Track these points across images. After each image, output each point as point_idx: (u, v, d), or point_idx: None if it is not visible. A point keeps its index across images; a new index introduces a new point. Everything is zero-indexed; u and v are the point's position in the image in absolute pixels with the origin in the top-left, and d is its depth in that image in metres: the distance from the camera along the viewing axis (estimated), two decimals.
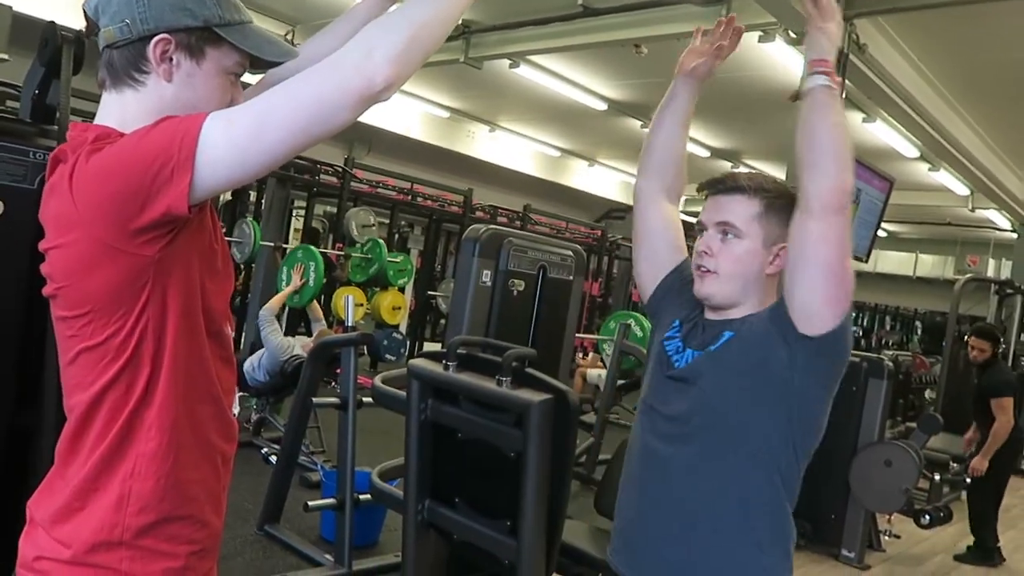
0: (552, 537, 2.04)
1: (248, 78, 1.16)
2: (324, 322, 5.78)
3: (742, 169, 10.34)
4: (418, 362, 2.30)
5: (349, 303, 4.29)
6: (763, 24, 5.07)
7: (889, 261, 15.37)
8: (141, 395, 0.99)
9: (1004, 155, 8.18)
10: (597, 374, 7.62)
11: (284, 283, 6.01)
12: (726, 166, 10.34)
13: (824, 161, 1.26)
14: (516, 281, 3.12)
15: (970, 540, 4.98)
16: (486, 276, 3.06)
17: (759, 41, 5.36)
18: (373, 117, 9.15)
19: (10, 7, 4.66)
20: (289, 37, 7.61)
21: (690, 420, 1.37)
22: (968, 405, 5.32)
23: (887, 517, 4.76)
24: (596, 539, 2.80)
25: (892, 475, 3.93)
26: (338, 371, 4.07)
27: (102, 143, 0.97)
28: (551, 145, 11.01)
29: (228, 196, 8.00)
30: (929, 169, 8.70)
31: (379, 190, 8.80)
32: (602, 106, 8.22)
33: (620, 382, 6.26)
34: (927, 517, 4.54)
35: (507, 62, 6.83)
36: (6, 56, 4.62)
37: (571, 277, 3.34)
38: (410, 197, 9.14)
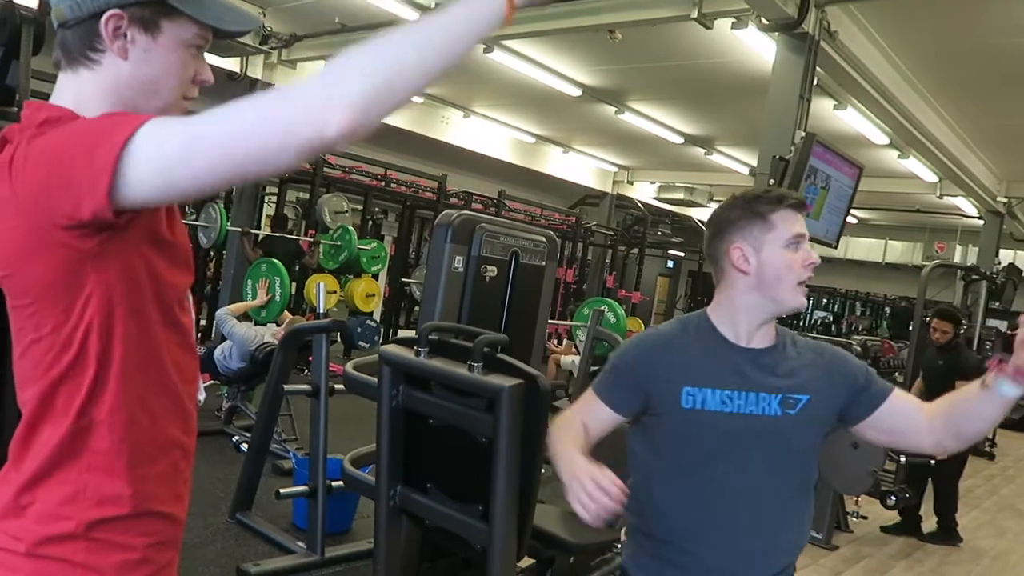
0: (523, 521, 2.05)
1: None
2: (290, 315, 5.76)
3: (714, 156, 10.42)
4: (390, 348, 2.29)
5: (321, 290, 4.27)
6: (736, 11, 5.09)
7: (859, 247, 15.60)
8: (91, 389, 0.96)
9: (971, 143, 8.31)
10: (570, 360, 7.66)
11: (250, 296, 5.96)
12: (699, 152, 10.40)
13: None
14: (489, 267, 3.11)
15: (933, 519, 5.10)
16: (458, 262, 3.05)
17: (732, 28, 5.38)
18: None
19: None
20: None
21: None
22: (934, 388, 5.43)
23: (855, 499, 4.85)
24: (567, 523, 2.82)
25: (859, 458, 3.99)
26: (310, 359, 4.05)
27: (48, 127, 0.94)
28: (526, 131, 10.98)
29: None
30: (899, 156, 8.81)
31: (352, 176, 8.73)
32: (577, 92, 8.21)
33: (593, 368, 6.29)
34: (893, 498, 4.63)
35: (481, 47, 6.79)
36: None
37: (544, 263, 3.33)
38: (384, 183, 9.08)
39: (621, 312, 8.86)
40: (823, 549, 4.48)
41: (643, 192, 13.29)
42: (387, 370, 2.23)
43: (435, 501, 2.18)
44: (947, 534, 5.05)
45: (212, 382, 5.10)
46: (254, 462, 3.65)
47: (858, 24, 5.51)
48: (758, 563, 1.46)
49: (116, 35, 0.99)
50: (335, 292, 7.33)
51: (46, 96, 1.06)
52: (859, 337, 11.23)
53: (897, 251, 15.60)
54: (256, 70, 8.00)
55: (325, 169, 8.18)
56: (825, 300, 17.99)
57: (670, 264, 18.27)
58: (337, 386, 3.33)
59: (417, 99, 9.50)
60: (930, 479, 5.13)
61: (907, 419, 1.49)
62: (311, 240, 7.51)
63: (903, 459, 4.84)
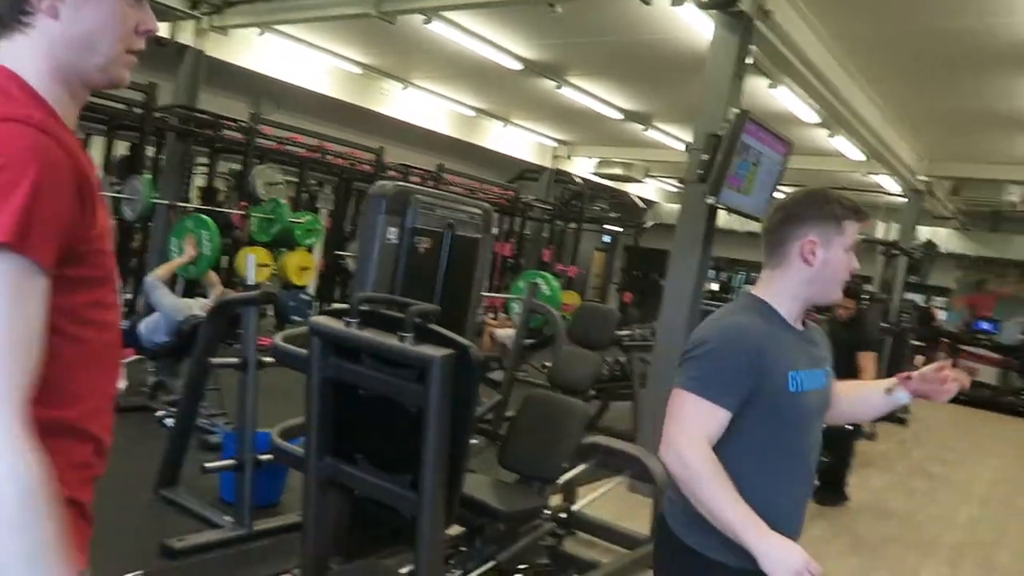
0: (453, 490, 2.06)
1: None
2: (221, 287, 5.59)
3: (652, 132, 10.52)
4: (320, 319, 2.26)
5: (251, 262, 4.17)
6: None
7: None
8: None
9: (896, 123, 8.59)
10: (506, 333, 7.68)
11: (175, 254, 5.75)
12: (637, 128, 10.48)
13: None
14: (423, 239, 3.08)
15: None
16: (392, 233, 3.01)
17: (671, 4, 5.40)
18: (281, 71, 8.80)
19: None
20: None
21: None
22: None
23: None
24: (497, 491, 2.85)
25: None
26: (240, 332, 3.95)
27: None
28: (466, 104, 10.87)
29: (126, 151, 7.59)
30: (828, 135, 9.05)
31: (287, 147, 8.51)
32: (517, 66, 8.15)
33: (528, 341, 6.34)
34: None
35: (421, 17, 6.66)
36: None
37: (479, 235, 3.32)
38: (320, 155, 8.88)
39: (556, 284, 8.94)
40: None
41: (582, 167, 13.35)
42: (317, 341, 2.20)
43: (365, 472, 2.17)
44: (840, 495, 5.38)
45: (137, 357, 4.93)
46: (179, 437, 3.57)
47: (793, 5, 5.60)
48: (798, 523, 1.62)
49: None
50: (268, 265, 7.17)
51: None
52: None
53: None
54: (185, 35, 7.70)
55: (258, 140, 7.95)
56: (755, 275, 18.47)
57: (607, 239, 18.44)
58: (267, 359, 3.26)
59: (355, 69, 9.31)
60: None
61: (834, 392, 1.75)
62: (241, 212, 7.31)
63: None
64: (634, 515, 4.15)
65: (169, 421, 4.28)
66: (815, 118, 8.29)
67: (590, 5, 5.86)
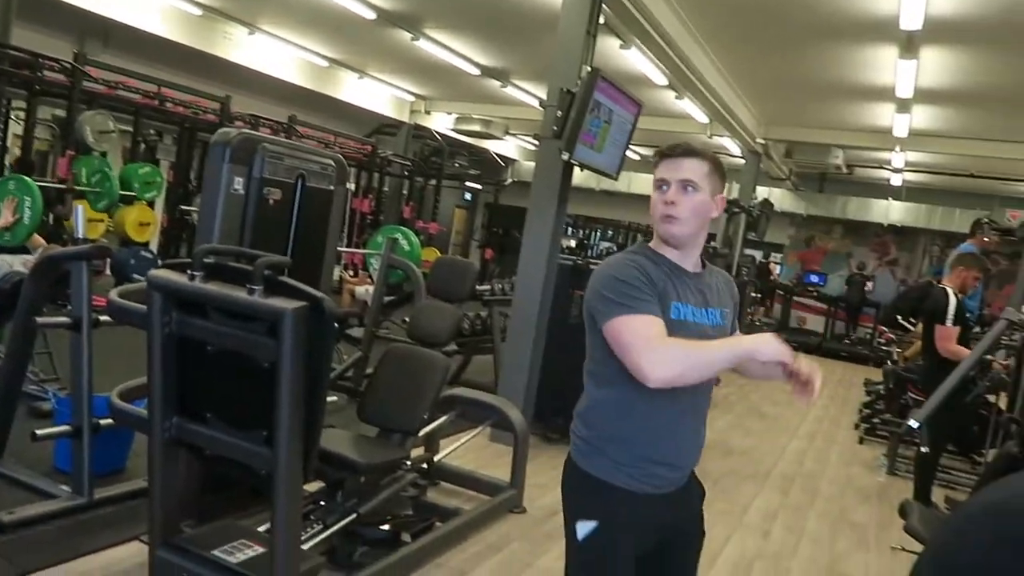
0: (309, 444, 2.03)
1: None
2: (47, 244, 5.11)
3: (510, 89, 10.56)
4: (159, 273, 2.13)
5: (79, 213, 3.84)
6: None
7: (642, 182, 16.64)
8: None
9: (738, 89, 9.09)
10: (365, 290, 7.58)
11: None
12: (495, 85, 10.48)
13: None
14: (272, 190, 2.96)
15: None
16: (238, 183, 2.86)
17: None
18: (106, 7, 8.02)
19: None
20: None
21: None
22: None
23: None
24: (358, 445, 2.83)
25: None
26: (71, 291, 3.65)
27: None
28: (318, 54, 10.43)
29: None
30: (675, 97, 9.44)
31: (119, 92, 7.85)
32: (371, 15, 7.89)
33: (388, 297, 6.28)
34: None
35: None
36: None
37: (332, 187, 3.23)
38: (158, 102, 8.27)
39: (415, 240, 8.88)
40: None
41: (440, 123, 13.21)
42: (157, 296, 2.08)
43: (215, 430, 2.09)
44: None
45: None
46: (4, 405, 3.27)
47: None
48: (693, 457, 1.80)
49: None
50: (101, 221, 6.65)
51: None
52: None
53: None
54: None
55: (85, 83, 7.28)
56: (611, 232, 19.13)
57: (467, 196, 18.46)
58: (103, 318, 3.04)
59: (194, 10, 8.67)
60: None
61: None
62: (69, 159, 6.70)
63: None
64: (495, 464, 4.26)
65: None
66: (663, 80, 8.62)
67: None
